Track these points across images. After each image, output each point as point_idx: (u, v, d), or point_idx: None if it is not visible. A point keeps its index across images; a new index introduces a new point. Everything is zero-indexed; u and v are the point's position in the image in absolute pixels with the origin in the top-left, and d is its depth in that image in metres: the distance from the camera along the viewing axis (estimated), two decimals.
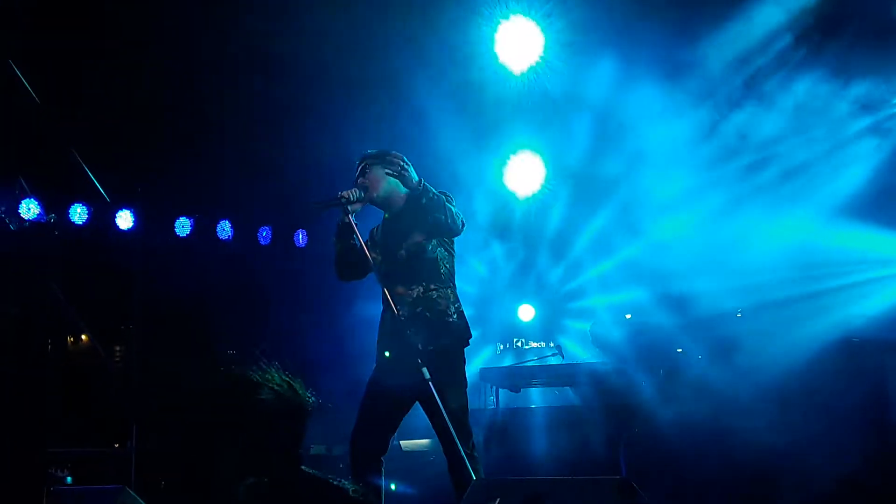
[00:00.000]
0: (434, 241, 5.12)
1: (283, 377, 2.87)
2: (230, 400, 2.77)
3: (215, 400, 2.78)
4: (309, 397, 2.93)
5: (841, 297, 8.08)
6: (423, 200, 4.97)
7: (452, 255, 5.23)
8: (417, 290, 4.99)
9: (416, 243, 5.07)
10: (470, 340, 5.16)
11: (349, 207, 4.95)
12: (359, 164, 5.26)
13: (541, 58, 9.11)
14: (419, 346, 4.76)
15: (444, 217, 5.01)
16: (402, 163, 5.16)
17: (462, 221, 5.16)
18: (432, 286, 5.02)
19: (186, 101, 9.49)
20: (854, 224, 8.23)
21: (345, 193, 4.96)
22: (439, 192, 5.09)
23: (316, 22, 8.74)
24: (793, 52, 8.42)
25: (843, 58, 8.17)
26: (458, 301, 5.14)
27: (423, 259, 5.06)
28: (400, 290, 4.98)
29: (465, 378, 5.05)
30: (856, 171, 8.36)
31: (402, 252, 5.07)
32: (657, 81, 8.77)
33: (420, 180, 5.02)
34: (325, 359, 10.50)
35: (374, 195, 5.15)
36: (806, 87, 8.44)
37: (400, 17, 8.68)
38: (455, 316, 5.05)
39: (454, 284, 5.19)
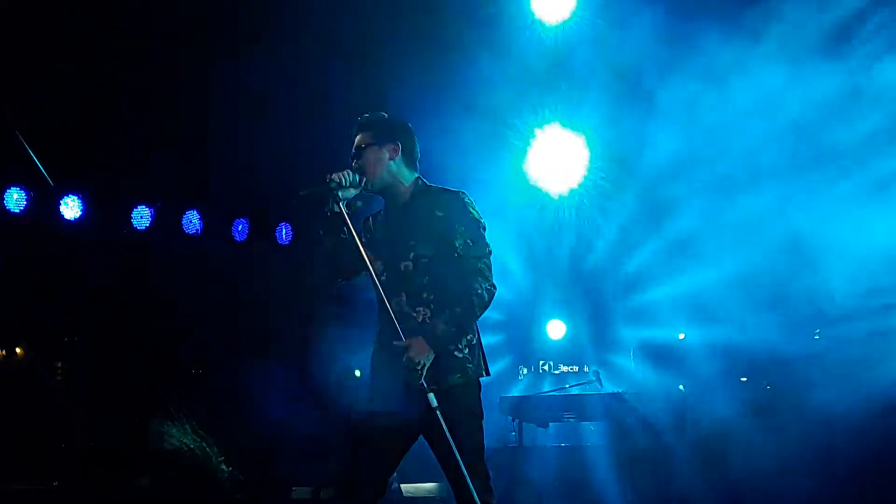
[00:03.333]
0: None
1: (196, 438, 2.67)
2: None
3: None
4: (221, 465, 2.68)
5: None
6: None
7: None
8: (424, 314, 4.65)
9: (425, 254, 4.73)
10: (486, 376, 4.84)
11: (340, 194, 4.66)
12: (355, 134, 4.91)
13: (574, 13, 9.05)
14: (423, 383, 4.47)
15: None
16: (406, 138, 4.86)
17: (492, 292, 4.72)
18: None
19: (147, 71, 9.27)
20: None
21: (334, 176, 4.64)
22: (472, 256, 4.64)
23: None
24: None
25: None
26: (475, 331, 4.79)
27: (433, 275, 4.71)
28: (402, 309, 4.67)
29: (482, 409, 4.71)
30: None
31: (408, 263, 4.73)
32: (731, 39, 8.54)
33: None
34: (306, 381, 10.28)
35: (371, 182, 4.81)
36: None
37: None
38: (467, 350, 4.69)
39: None
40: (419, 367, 4.41)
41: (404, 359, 4.41)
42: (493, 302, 4.74)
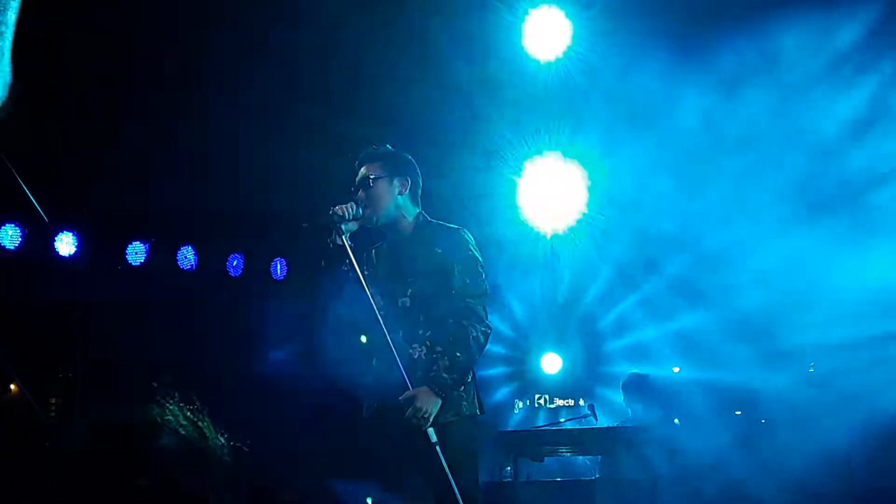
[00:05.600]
0: None
1: (188, 415, 2.73)
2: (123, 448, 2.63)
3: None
4: (218, 440, 2.77)
5: None
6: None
7: None
8: (420, 351, 4.66)
9: (423, 290, 4.73)
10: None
11: (343, 227, 4.66)
12: (359, 166, 4.91)
13: (569, 48, 8.94)
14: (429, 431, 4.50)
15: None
16: (415, 174, 4.91)
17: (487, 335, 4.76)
18: (438, 348, 4.60)
19: (142, 107, 9.23)
20: None
21: (338, 209, 4.67)
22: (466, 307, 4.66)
23: (303, 7, 8.61)
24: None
25: None
26: (471, 369, 4.78)
27: (429, 312, 4.71)
28: (398, 345, 4.63)
29: (476, 446, 4.79)
30: None
31: (405, 299, 4.76)
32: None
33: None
34: (308, 416, 10.33)
35: (376, 216, 4.82)
36: None
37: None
38: (461, 388, 4.67)
39: None
40: (426, 416, 4.43)
41: (410, 409, 4.42)
42: (491, 336, 4.78)
